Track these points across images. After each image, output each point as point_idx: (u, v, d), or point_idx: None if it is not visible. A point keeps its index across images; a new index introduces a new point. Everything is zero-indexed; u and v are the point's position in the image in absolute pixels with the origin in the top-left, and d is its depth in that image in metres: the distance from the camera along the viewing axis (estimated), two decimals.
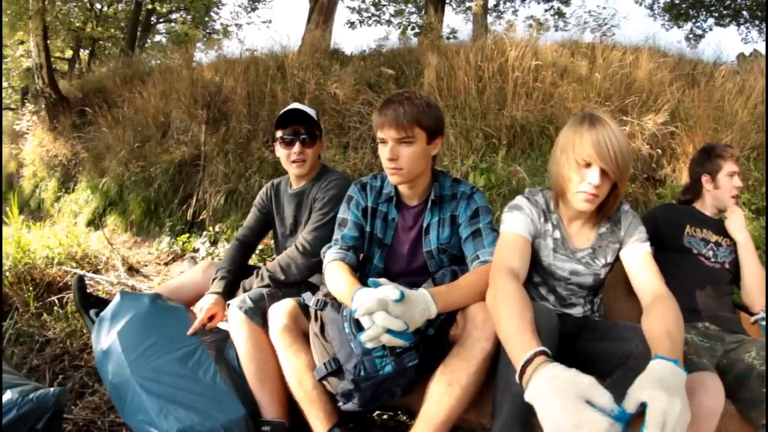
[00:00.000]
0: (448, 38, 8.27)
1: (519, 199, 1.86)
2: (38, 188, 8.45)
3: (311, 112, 2.41)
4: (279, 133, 2.36)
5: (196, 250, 5.51)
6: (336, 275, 1.84)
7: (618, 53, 6.33)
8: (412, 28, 7.90)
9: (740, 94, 5.73)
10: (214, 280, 2.32)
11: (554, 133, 5.46)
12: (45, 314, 3.28)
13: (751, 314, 2.25)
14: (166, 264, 5.44)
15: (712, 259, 2.33)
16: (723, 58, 7.65)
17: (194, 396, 1.81)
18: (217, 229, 5.68)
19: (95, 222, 6.78)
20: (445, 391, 1.54)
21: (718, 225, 2.45)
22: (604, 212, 1.76)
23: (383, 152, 1.84)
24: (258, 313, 1.99)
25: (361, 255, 2.06)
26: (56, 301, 3.44)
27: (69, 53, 16.77)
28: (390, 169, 1.86)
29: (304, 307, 1.94)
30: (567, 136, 1.66)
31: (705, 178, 2.48)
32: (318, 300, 1.86)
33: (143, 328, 2.04)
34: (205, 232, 5.70)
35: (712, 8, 13.10)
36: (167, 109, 7.42)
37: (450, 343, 1.67)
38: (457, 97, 6.06)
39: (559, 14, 14.32)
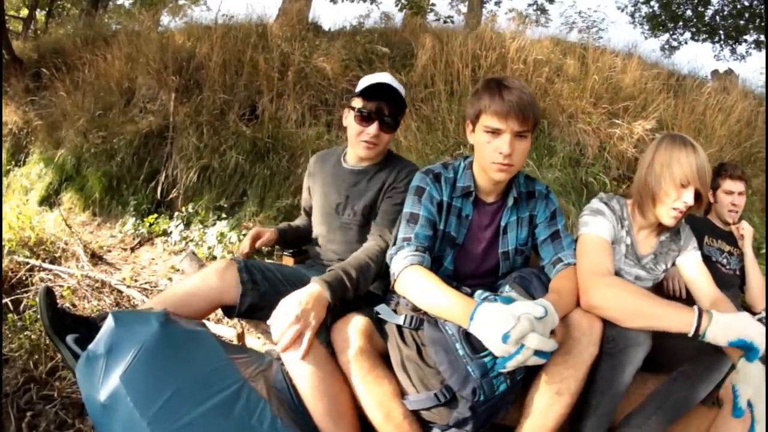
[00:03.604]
0: (445, 22, 7.72)
1: (598, 204, 1.87)
2: None
3: (402, 90, 2.04)
4: (358, 103, 1.98)
5: (168, 233, 4.71)
6: (430, 286, 1.53)
7: (609, 58, 6.26)
8: (411, 7, 7.25)
9: (720, 112, 5.89)
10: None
11: (547, 128, 5.40)
12: None
13: (754, 314, 2.39)
14: (133, 249, 4.62)
15: (727, 266, 2.66)
16: (697, 72, 7.98)
17: None
18: (189, 210, 4.92)
19: (50, 200, 5.80)
20: (554, 401, 1.45)
21: (728, 236, 2.76)
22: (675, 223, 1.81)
23: (497, 144, 1.61)
24: (324, 332, 1.59)
25: None
26: (9, 305, 2.65)
27: (24, 12, 15.20)
28: (501, 164, 1.62)
29: (375, 322, 1.65)
30: (671, 155, 1.71)
31: (709, 193, 2.59)
32: (413, 318, 1.58)
33: (159, 368, 1.41)
34: (176, 213, 4.93)
35: (690, 23, 13.34)
36: (133, 75, 6.48)
37: None
38: (453, 83, 5.73)
39: (542, 10, 14.06)
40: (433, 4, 7.87)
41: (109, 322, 1.46)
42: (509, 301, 1.37)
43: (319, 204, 2.17)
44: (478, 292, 1.52)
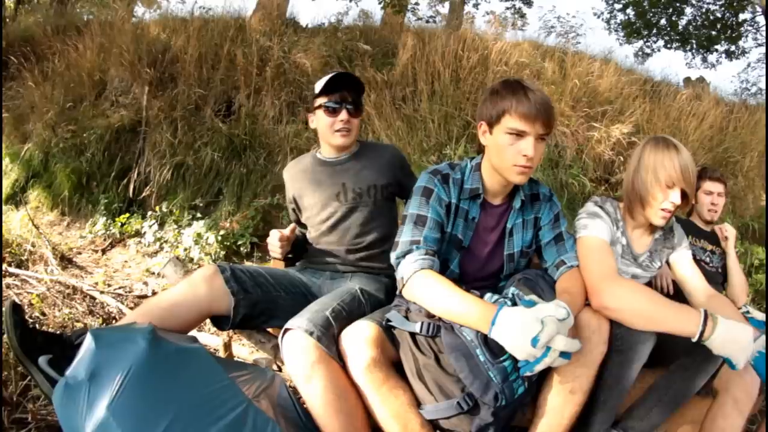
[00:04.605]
0: (427, 21, 7.63)
1: (594, 207, 1.87)
2: None
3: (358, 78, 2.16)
4: (322, 100, 2.05)
5: (141, 234, 4.49)
6: (445, 291, 1.47)
7: (587, 62, 6.30)
8: (393, 5, 7.09)
9: (694, 118, 5.99)
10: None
11: None
12: None
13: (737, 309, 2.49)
14: (104, 251, 4.39)
15: (710, 264, 2.78)
16: (670, 79, 8.14)
17: None
18: (163, 209, 4.71)
19: (15, 198, 5.47)
20: (567, 400, 1.46)
21: (710, 236, 2.89)
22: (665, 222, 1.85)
23: (521, 147, 1.56)
24: (334, 343, 1.49)
25: None
26: None
27: None
28: (521, 167, 1.58)
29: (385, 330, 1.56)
30: (655, 158, 1.76)
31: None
32: (430, 325, 1.48)
33: (151, 394, 1.23)
34: (150, 213, 4.71)
35: (664, 32, 13.61)
36: (105, 66, 6.18)
37: None
38: (434, 83, 5.62)
39: (520, 14, 14.00)
40: (416, 3, 7.75)
41: (88, 343, 1.28)
42: (531, 304, 1.35)
43: (316, 201, 2.14)
44: (488, 295, 1.47)
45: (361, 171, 2.10)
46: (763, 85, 11.99)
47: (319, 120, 2.09)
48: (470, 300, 1.41)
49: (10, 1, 14.37)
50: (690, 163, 1.71)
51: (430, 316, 1.51)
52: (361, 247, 2.06)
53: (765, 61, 12.71)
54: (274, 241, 2.03)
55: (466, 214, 1.73)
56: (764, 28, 12.07)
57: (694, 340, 1.41)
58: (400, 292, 1.61)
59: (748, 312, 2.45)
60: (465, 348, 1.38)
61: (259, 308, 1.76)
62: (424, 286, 1.51)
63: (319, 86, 2.05)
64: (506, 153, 1.57)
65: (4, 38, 7.92)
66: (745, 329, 1.41)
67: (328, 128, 2.05)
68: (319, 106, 2.05)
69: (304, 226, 2.25)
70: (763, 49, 12.70)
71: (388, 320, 1.56)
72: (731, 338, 1.40)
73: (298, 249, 2.20)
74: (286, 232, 2.05)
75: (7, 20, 11.46)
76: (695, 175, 1.75)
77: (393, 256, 1.63)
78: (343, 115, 2.03)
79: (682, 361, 1.64)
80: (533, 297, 1.41)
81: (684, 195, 1.73)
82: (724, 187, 2.89)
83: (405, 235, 1.63)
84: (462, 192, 1.72)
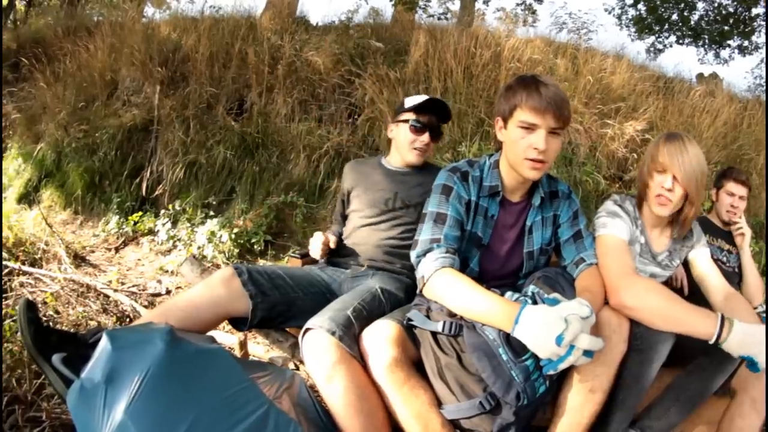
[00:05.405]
0: (439, 18, 7.58)
1: (612, 206, 1.87)
2: None
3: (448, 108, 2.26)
4: (411, 116, 2.16)
5: (154, 232, 4.46)
6: (466, 290, 1.45)
7: (599, 59, 6.21)
8: (404, 3, 7.05)
9: (708, 114, 5.88)
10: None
11: None
12: None
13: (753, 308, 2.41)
14: (117, 249, 4.36)
15: (727, 264, 2.77)
16: (683, 75, 7.93)
17: None
18: (176, 207, 4.66)
19: (29, 197, 5.46)
20: (587, 399, 1.45)
21: (727, 236, 2.87)
22: (682, 221, 1.85)
23: (532, 140, 1.56)
24: (355, 343, 1.48)
25: None
26: None
27: (3, 1, 14.65)
28: (534, 161, 1.57)
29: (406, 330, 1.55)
30: (652, 149, 1.80)
31: (712, 191, 2.94)
32: (453, 324, 1.46)
33: (170, 396, 1.19)
34: (162, 211, 4.66)
35: (675, 27, 13.46)
36: (116, 66, 6.15)
37: None
38: (446, 80, 5.54)
39: (530, 10, 13.85)
40: (428, 0, 7.72)
41: (104, 344, 1.23)
42: (555, 302, 1.33)
43: (365, 199, 2.22)
44: (509, 293, 1.47)
45: (415, 186, 2.16)
46: None
47: (400, 132, 2.20)
48: (492, 298, 1.40)
49: (20, 4, 14.47)
50: (687, 154, 1.71)
51: (451, 315, 1.50)
52: (390, 250, 2.10)
53: (765, 61, 12.51)
54: (317, 243, 2.11)
55: (486, 211, 1.72)
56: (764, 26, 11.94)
57: (711, 342, 1.40)
58: (421, 290, 1.60)
59: (764, 312, 2.56)
60: (487, 347, 1.37)
61: (277, 310, 1.76)
62: (445, 285, 1.50)
63: (410, 102, 2.16)
64: (518, 147, 1.58)
65: (15, 40, 7.95)
66: (761, 330, 1.40)
67: (407, 143, 2.17)
68: (405, 121, 2.16)
69: (343, 221, 2.34)
70: None
71: (409, 319, 1.55)
72: (748, 339, 1.38)
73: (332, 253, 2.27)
74: (330, 238, 2.17)
75: (18, 23, 11.52)
76: (691, 164, 1.72)
77: (413, 254, 1.63)
78: (426, 137, 2.15)
79: (700, 361, 1.63)
80: (556, 295, 1.39)
81: (686, 190, 1.73)
82: (748, 191, 2.87)
83: (425, 233, 1.62)
84: (481, 189, 1.73)
